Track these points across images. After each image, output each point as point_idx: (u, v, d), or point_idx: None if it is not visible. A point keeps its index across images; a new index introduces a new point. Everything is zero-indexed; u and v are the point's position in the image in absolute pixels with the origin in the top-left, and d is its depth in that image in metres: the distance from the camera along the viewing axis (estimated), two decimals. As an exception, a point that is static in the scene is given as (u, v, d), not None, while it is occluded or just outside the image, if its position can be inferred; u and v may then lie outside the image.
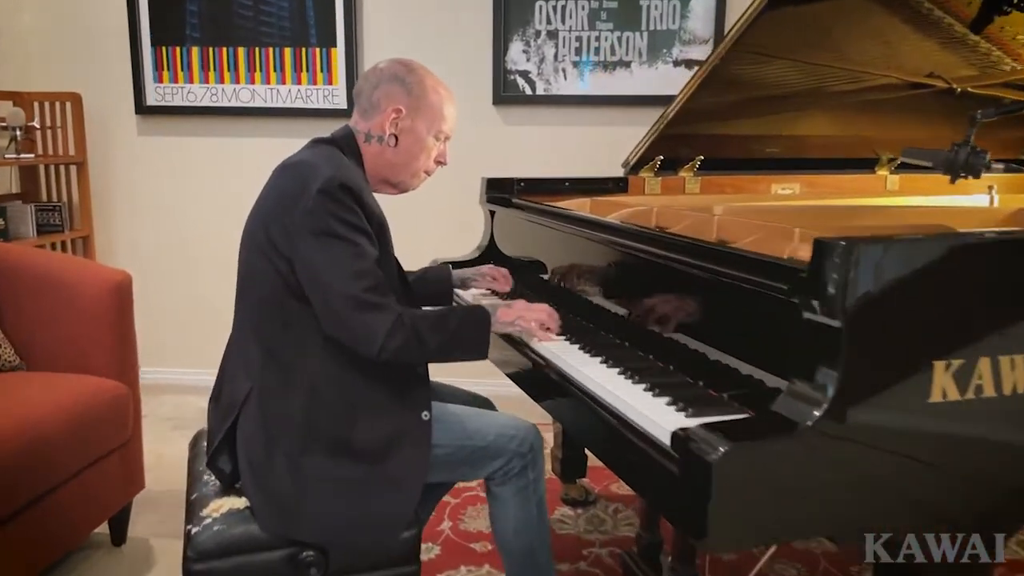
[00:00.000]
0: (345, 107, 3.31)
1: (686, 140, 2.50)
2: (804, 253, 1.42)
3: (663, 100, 3.08)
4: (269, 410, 1.42)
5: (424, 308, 1.52)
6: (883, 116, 2.68)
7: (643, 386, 1.27)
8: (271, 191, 1.45)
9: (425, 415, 1.48)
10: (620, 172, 2.43)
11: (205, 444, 1.58)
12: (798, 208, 2.16)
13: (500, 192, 2.29)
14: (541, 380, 1.56)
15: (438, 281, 1.88)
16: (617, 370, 1.36)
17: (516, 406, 2.00)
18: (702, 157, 2.48)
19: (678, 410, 1.16)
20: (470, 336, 1.45)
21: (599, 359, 1.44)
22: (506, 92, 3.27)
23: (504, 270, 1.94)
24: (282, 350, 1.42)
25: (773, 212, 2.04)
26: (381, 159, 1.55)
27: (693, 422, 1.09)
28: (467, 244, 2.48)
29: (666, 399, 1.20)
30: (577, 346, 1.53)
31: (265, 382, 1.43)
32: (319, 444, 1.41)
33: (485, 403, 1.80)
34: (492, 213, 2.31)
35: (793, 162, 2.67)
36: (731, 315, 1.25)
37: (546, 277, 2.01)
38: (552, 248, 1.98)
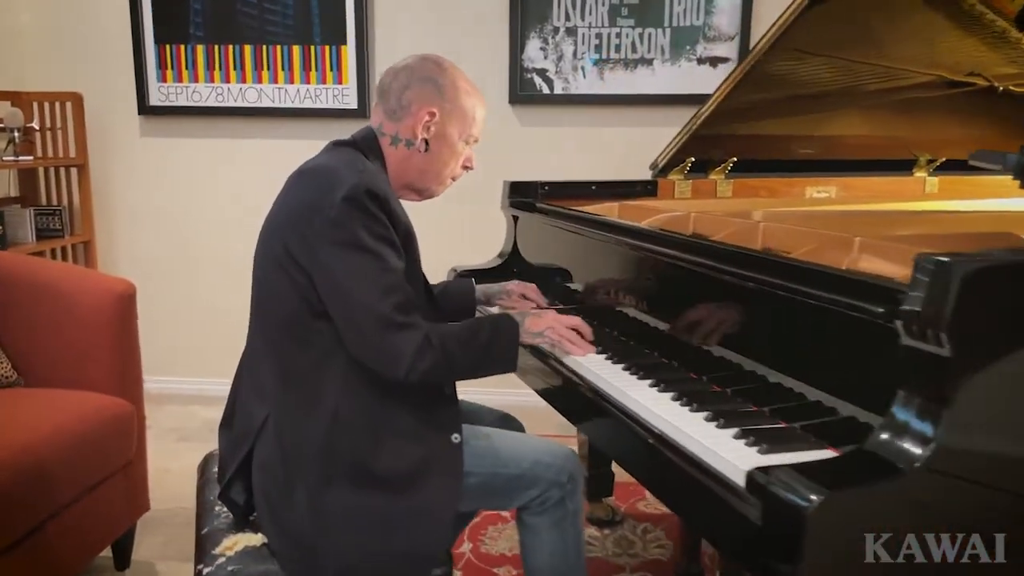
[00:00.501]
0: (356, 107, 3.20)
1: (717, 141, 2.40)
2: (866, 265, 1.31)
3: (687, 100, 3.01)
4: (287, 438, 1.31)
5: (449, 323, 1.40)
6: (921, 116, 2.57)
7: (704, 415, 1.15)
8: (288, 199, 1.33)
9: (455, 438, 1.36)
10: (643, 174, 2.32)
11: (216, 471, 1.46)
12: (844, 214, 2.04)
13: (523, 196, 2.17)
14: (574, 399, 1.45)
15: (461, 295, 1.76)
16: (671, 395, 1.24)
17: (529, 415, 1.88)
18: (735, 159, 2.36)
19: (748, 444, 1.03)
20: (500, 349, 1.35)
21: (648, 381, 1.32)
22: (523, 91, 3.15)
23: (533, 286, 1.81)
24: (301, 373, 1.31)
25: (818, 218, 1.92)
26: (408, 164, 1.44)
27: (770, 460, 0.97)
28: (484, 250, 2.36)
29: (732, 431, 1.08)
30: (621, 366, 1.40)
31: (283, 407, 1.31)
32: (342, 473, 1.30)
33: (513, 423, 1.68)
34: (515, 218, 2.19)
35: (826, 164, 2.56)
36: (804, 337, 1.13)
37: (573, 287, 1.89)
38: (582, 256, 1.86)
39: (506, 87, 3.15)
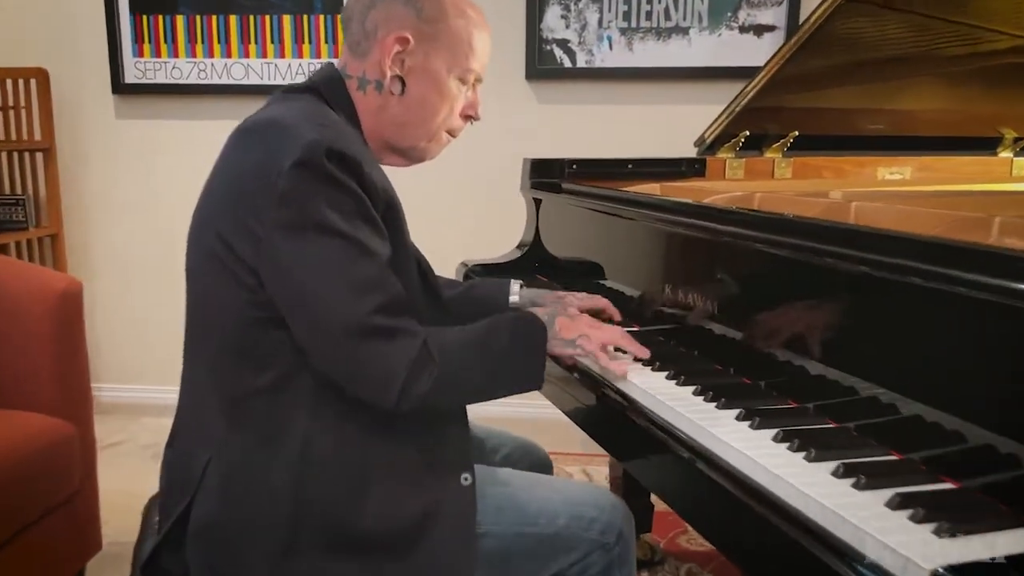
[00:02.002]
0: (353, 83, 2.84)
1: (773, 114, 2.06)
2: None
3: (727, 73, 2.65)
4: (238, 490, 0.96)
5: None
6: (1007, 87, 2.23)
7: (829, 466, 0.80)
8: (224, 170, 0.99)
9: (466, 479, 1.02)
10: (686, 154, 1.97)
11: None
12: (942, 194, 1.69)
13: (547, 176, 1.82)
14: (620, 429, 1.09)
15: (489, 300, 1.32)
16: (771, 433, 0.88)
17: (544, 429, 1.52)
18: (796, 133, 2.00)
19: (918, 520, 0.68)
20: (523, 360, 1.02)
21: (732, 412, 0.95)
22: (541, 65, 2.80)
23: (606, 301, 1.32)
24: (253, 403, 0.97)
25: (915, 199, 1.56)
26: (383, 114, 1.08)
27: (963, 549, 0.61)
28: (498, 243, 2.00)
29: (884, 494, 0.73)
30: (690, 388, 1.04)
31: (230, 451, 0.97)
32: (313, 537, 0.96)
33: (536, 455, 1.33)
34: (537, 202, 1.83)
35: (897, 141, 2.21)
36: (965, 351, 0.78)
37: (608, 284, 1.53)
38: (622, 245, 1.50)
39: (522, 61, 2.80)
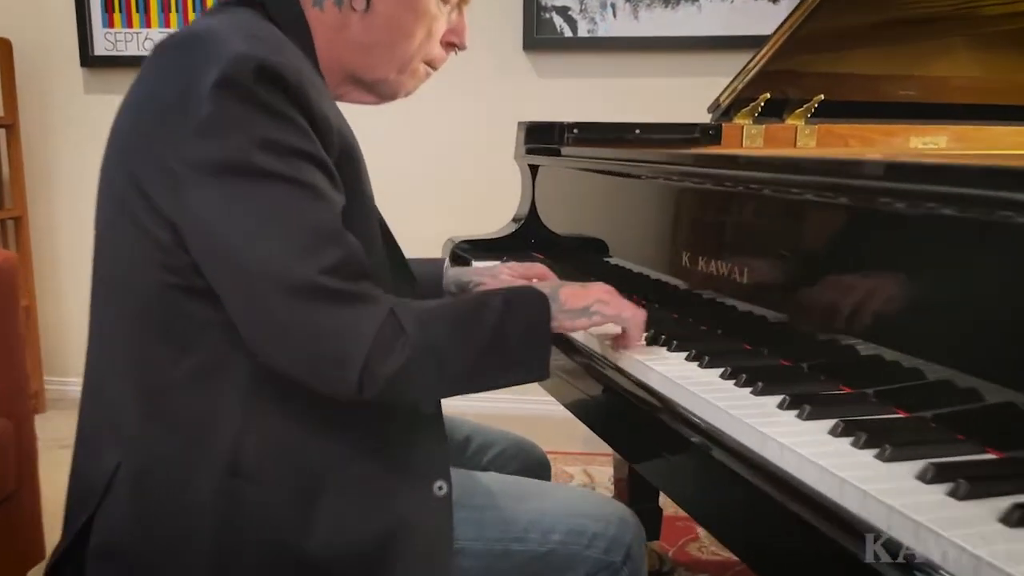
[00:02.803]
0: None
1: (793, 78, 1.88)
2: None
3: (741, 43, 2.44)
4: (153, 502, 0.77)
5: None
6: None
7: (916, 468, 0.59)
8: (137, 96, 0.79)
9: (440, 488, 0.82)
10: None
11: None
12: (992, 157, 1.49)
13: (545, 141, 1.62)
14: (640, 426, 0.89)
15: (421, 281, 1.14)
16: (827, 425, 0.68)
17: (538, 425, 1.33)
18: (821, 97, 1.80)
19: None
20: (522, 341, 0.81)
21: (773, 399, 0.75)
22: (540, 34, 2.60)
23: (539, 265, 1.21)
24: (175, 395, 0.78)
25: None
26: (343, 36, 0.88)
27: None
28: (490, 219, 1.81)
29: (1000, 506, 0.53)
30: (717, 370, 0.84)
31: (146, 452, 0.78)
32: (247, 561, 0.76)
33: (532, 456, 1.13)
34: (533, 170, 1.64)
35: (927, 109, 2.02)
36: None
37: (613, 261, 1.33)
38: (634, 212, 1.30)
39: (520, 30, 2.61)
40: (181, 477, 0.77)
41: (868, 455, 0.63)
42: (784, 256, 0.93)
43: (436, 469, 0.82)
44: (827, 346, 0.83)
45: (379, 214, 0.90)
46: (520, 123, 1.67)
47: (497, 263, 1.22)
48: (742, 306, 0.98)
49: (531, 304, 0.83)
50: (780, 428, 0.68)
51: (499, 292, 0.83)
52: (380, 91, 0.94)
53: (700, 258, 1.06)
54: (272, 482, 0.78)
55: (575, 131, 1.63)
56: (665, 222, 1.20)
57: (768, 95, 1.75)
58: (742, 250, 0.98)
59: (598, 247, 1.40)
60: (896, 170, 0.78)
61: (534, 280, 1.16)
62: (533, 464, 1.10)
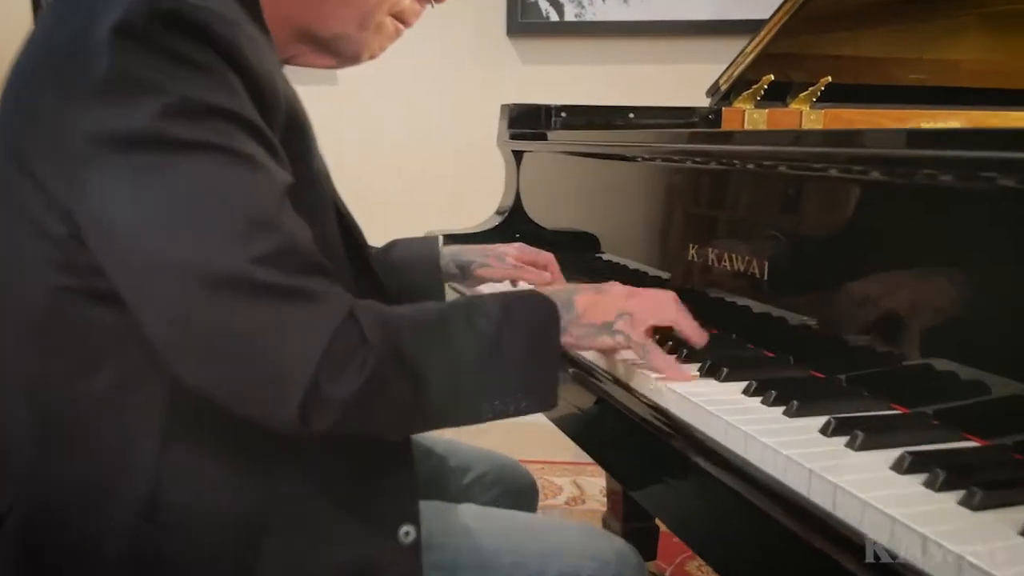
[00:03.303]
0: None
1: (797, 61, 1.77)
2: None
3: (739, 27, 2.29)
4: (51, 552, 0.63)
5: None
6: None
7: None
8: (26, 46, 0.64)
9: (407, 533, 0.68)
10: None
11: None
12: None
13: (530, 125, 1.48)
14: (642, 450, 0.75)
15: (414, 264, 1.02)
16: (888, 457, 0.54)
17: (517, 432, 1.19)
18: (829, 79, 1.68)
19: None
20: (523, 359, 0.67)
21: (812, 421, 0.61)
22: (524, 19, 2.47)
23: (549, 256, 1.08)
24: (78, 422, 0.63)
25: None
26: None
27: None
28: (472, 213, 1.66)
29: None
30: (739, 386, 0.70)
31: (42, 491, 0.63)
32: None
33: (519, 481, 0.99)
34: (518, 158, 1.49)
35: (940, 93, 1.90)
36: None
37: (607, 257, 1.19)
38: (626, 201, 1.17)
39: (503, 14, 2.47)
40: (86, 522, 0.62)
41: (950, 499, 0.49)
42: (810, 246, 0.79)
43: (403, 511, 0.68)
44: (869, 354, 0.70)
45: (339, 201, 0.76)
46: (503, 106, 1.53)
47: (501, 245, 1.07)
48: (759, 307, 0.84)
49: (536, 313, 0.68)
50: (833, 462, 0.54)
51: (495, 296, 0.69)
52: (339, 50, 0.79)
53: (710, 251, 0.92)
54: (200, 527, 0.63)
55: (563, 115, 1.49)
56: (667, 211, 1.06)
57: (772, 77, 1.63)
58: (760, 241, 0.84)
59: (589, 241, 1.27)
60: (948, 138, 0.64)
61: (530, 261, 1.05)
62: (518, 490, 0.96)
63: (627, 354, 0.78)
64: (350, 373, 0.58)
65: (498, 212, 1.53)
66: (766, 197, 0.87)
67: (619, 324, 0.73)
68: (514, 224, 1.50)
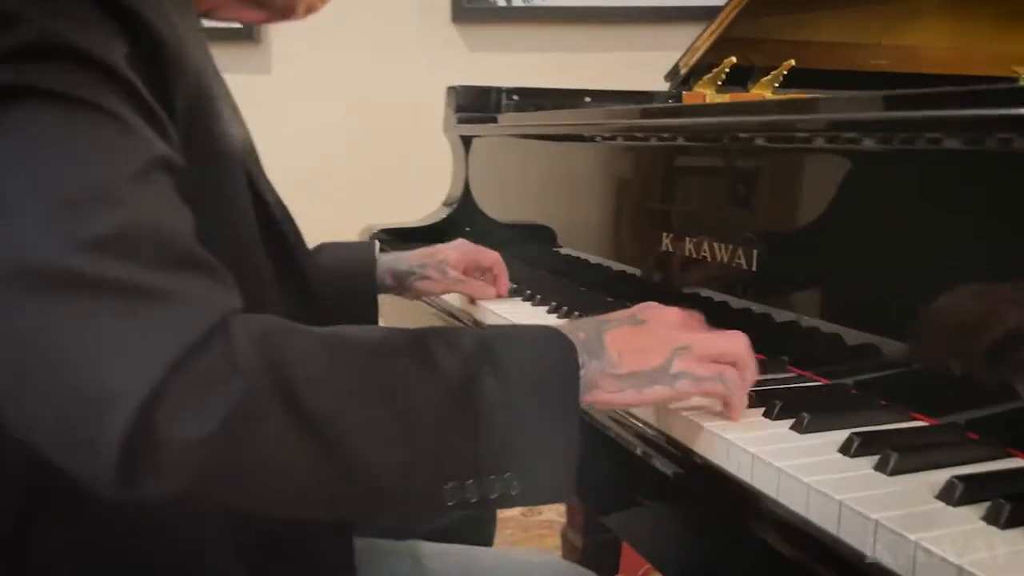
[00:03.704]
0: (239, 25, 2.32)
1: (759, 44, 1.72)
2: None
3: (698, 13, 2.22)
4: None
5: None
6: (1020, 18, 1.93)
7: None
8: None
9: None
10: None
11: None
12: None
13: (479, 110, 1.37)
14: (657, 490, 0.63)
15: (343, 273, 0.87)
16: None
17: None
18: (792, 63, 1.61)
19: None
20: (513, 423, 0.48)
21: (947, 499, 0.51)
22: (470, 4, 2.36)
23: (494, 255, 0.97)
24: None
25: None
26: None
27: None
28: (419, 206, 1.54)
29: None
30: (806, 438, 0.58)
31: None
32: None
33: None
34: (466, 144, 1.38)
35: (902, 79, 1.87)
36: None
37: (566, 252, 1.08)
38: (588, 187, 1.06)
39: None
40: None
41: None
42: (808, 231, 0.69)
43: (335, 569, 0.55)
44: (873, 355, 0.60)
45: (266, 191, 0.62)
46: (449, 88, 1.42)
47: (440, 248, 0.94)
48: (750, 303, 0.74)
49: (540, 356, 0.50)
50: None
51: (474, 332, 0.54)
52: (268, 2, 0.66)
53: (688, 240, 0.81)
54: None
55: (514, 98, 1.38)
56: (634, 196, 0.96)
57: (733, 60, 1.56)
58: (752, 225, 0.74)
59: (545, 234, 1.16)
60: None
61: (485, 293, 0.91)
62: (472, 519, 0.84)
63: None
64: (202, 411, 0.41)
65: (446, 203, 1.41)
66: (747, 175, 0.77)
67: (678, 364, 0.54)
68: (463, 215, 1.38)
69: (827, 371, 0.66)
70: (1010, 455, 0.53)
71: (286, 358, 0.44)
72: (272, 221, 0.61)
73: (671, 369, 0.53)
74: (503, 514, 1.94)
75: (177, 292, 0.43)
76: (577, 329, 0.53)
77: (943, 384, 0.59)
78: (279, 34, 2.28)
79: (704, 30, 1.58)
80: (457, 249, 0.93)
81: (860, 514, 0.45)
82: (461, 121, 1.37)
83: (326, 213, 1.75)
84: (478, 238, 1.35)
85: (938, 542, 0.42)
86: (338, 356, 0.46)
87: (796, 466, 0.50)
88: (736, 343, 0.57)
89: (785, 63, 1.63)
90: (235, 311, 0.44)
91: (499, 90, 1.38)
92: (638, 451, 0.61)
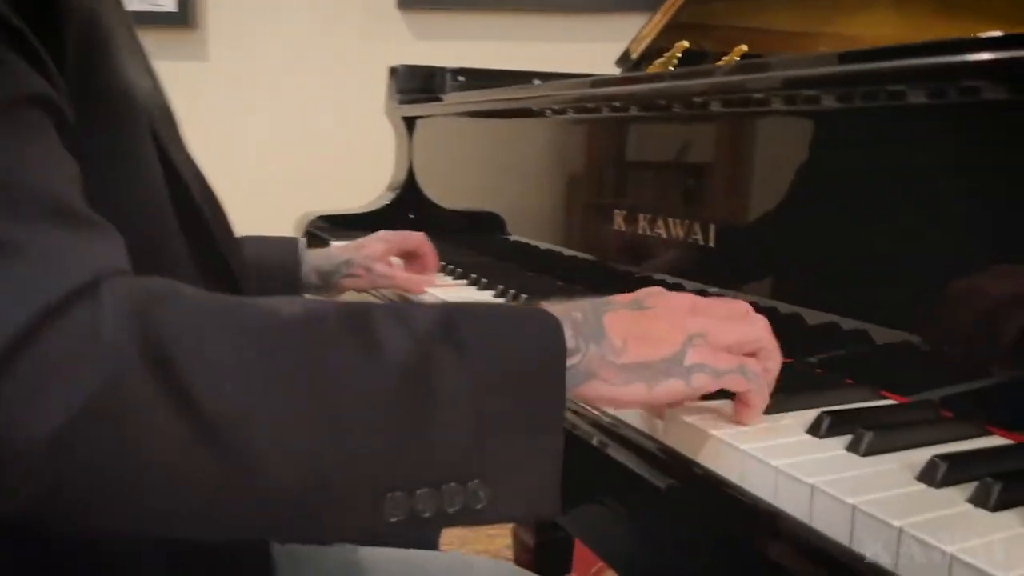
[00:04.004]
0: (174, 9, 2.21)
1: (710, 30, 1.70)
2: None
3: (642, 3, 2.23)
4: None
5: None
6: (964, 11, 1.95)
7: None
8: None
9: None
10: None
11: None
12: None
13: (424, 91, 1.30)
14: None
15: (266, 271, 0.80)
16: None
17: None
18: (745, 48, 1.58)
19: None
20: (479, 421, 0.39)
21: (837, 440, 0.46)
22: (416, -10, 2.28)
23: (419, 236, 0.92)
24: None
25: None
26: None
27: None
28: (363, 192, 1.47)
29: None
30: (839, 438, 0.52)
31: None
32: None
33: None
34: (410, 126, 1.31)
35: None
36: None
37: (514, 238, 1.03)
38: (538, 167, 1.00)
39: (392, -14, 2.27)
40: None
41: None
42: (770, 202, 0.65)
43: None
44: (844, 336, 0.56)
45: (194, 169, 0.55)
46: (391, 68, 1.35)
47: (366, 241, 0.90)
48: (717, 289, 0.69)
49: (510, 335, 0.41)
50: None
51: (426, 306, 0.44)
52: None
53: (642, 218, 0.76)
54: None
55: (460, 78, 1.32)
56: (585, 174, 0.90)
57: (686, 44, 1.53)
58: (710, 199, 0.70)
59: (494, 220, 1.10)
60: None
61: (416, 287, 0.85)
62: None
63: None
64: (53, 399, 0.32)
65: (390, 188, 1.34)
66: (703, 145, 0.73)
67: (692, 355, 0.45)
68: (408, 202, 1.31)
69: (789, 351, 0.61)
70: (989, 433, 0.49)
71: (172, 332, 0.35)
72: (188, 196, 0.54)
73: (685, 360, 0.45)
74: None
75: (33, 246, 0.34)
76: (571, 308, 0.44)
77: (913, 361, 0.55)
78: (216, 19, 2.17)
79: (654, 14, 1.55)
80: (381, 240, 0.89)
81: (836, 499, 0.40)
82: (403, 102, 1.31)
83: (268, 202, 1.67)
84: (423, 225, 1.30)
85: (924, 528, 0.37)
86: (244, 330, 0.37)
87: (763, 448, 0.46)
88: (757, 328, 0.48)
89: (737, 48, 1.60)
90: (115, 273, 0.36)
91: (444, 70, 1.32)
92: (594, 441, 0.56)
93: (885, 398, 0.55)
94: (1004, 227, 0.50)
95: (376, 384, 0.37)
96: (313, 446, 0.36)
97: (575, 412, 0.56)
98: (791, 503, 0.43)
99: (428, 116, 1.26)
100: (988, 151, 0.52)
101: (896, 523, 0.38)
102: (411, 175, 1.31)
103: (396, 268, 0.91)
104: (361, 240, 0.89)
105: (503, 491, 0.39)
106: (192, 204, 0.54)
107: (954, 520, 0.38)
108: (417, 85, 1.31)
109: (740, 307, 0.50)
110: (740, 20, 1.74)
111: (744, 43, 1.72)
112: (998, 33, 0.51)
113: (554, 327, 0.42)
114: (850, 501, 0.40)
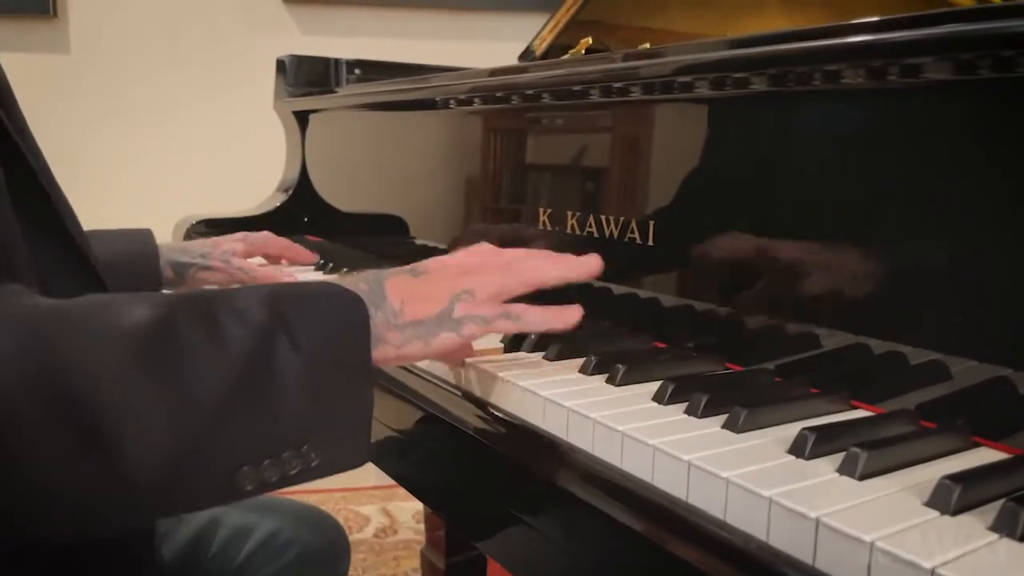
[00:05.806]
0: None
1: (614, 31, 1.70)
2: None
3: (538, 3, 2.20)
4: None
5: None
6: (849, 13, 2.02)
7: None
8: None
9: None
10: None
11: None
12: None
13: (317, 83, 1.20)
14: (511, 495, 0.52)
15: (121, 265, 0.75)
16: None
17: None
18: (648, 45, 1.57)
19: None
20: (305, 392, 0.43)
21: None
22: (303, -18, 2.16)
23: (283, 242, 0.92)
24: None
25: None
26: None
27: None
28: (251, 194, 1.36)
29: None
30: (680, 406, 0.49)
31: None
32: None
33: (323, 541, 0.72)
34: (302, 120, 1.21)
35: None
36: None
37: (421, 242, 0.95)
38: (455, 163, 0.93)
39: (278, -23, 2.15)
40: None
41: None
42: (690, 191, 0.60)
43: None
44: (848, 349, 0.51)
45: (26, 138, 0.46)
46: (280, 59, 1.25)
47: (223, 240, 0.88)
48: (641, 288, 0.64)
49: (326, 312, 0.45)
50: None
51: (256, 289, 0.46)
52: None
53: (570, 215, 0.70)
54: None
55: (356, 71, 1.23)
56: (494, 170, 0.84)
57: (590, 40, 1.50)
58: (647, 191, 0.64)
59: (395, 222, 1.02)
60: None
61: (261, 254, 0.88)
62: (321, 551, 0.69)
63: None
64: None
65: (282, 189, 1.23)
66: (604, 137, 0.68)
67: (459, 309, 0.50)
68: (302, 202, 1.21)
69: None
70: (854, 407, 0.50)
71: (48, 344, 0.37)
72: (28, 172, 0.45)
73: (454, 314, 0.50)
74: (353, 537, 1.76)
75: None
76: (358, 280, 0.49)
77: (757, 335, 0.53)
78: (78, 8, 1.98)
79: (557, 10, 1.52)
80: (242, 241, 0.87)
81: (706, 472, 0.39)
82: (294, 96, 1.20)
83: (142, 208, 1.52)
84: (319, 228, 1.20)
85: (792, 496, 0.36)
86: (95, 325, 0.38)
87: (612, 416, 0.46)
88: (518, 276, 0.53)
89: (641, 47, 1.60)
90: None
91: (340, 62, 1.23)
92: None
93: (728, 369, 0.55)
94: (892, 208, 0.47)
95: (221, 375, 0.40)
96: (169, 435, 0.38)
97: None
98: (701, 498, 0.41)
99: (322, 110, 1.16)
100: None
101: (766, 493, 0.37)
102: (304, 173, 1.20)
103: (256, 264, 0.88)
104: (217, 239, 0.87)
105: (330, 451, 0.44)
106: (33, 182, 0.47)
107: (821, 488, 0.38)
108: (309, 78, 1.21)
109: (503, 258, 0.54)
110: (642, 20, 1.75)
111: (647, 42, 1.72)
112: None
113: (354, 300, 0.46)
114: (723, 474, 0.39)
